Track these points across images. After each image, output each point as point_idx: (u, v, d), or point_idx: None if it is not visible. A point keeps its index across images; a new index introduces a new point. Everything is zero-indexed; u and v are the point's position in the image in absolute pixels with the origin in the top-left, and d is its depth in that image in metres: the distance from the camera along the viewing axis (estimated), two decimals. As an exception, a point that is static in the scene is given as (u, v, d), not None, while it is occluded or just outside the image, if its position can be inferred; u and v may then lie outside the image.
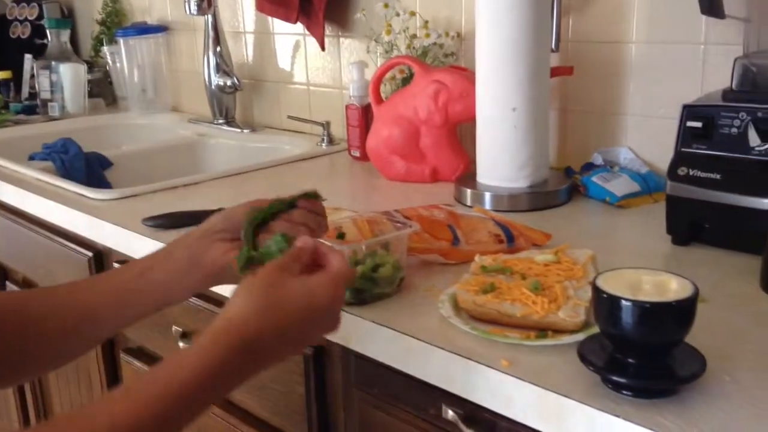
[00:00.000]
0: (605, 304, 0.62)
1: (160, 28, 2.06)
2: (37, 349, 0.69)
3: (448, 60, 1.41)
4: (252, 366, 0.59)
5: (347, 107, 1.50)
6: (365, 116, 1.47)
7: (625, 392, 0.63)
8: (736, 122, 0.92)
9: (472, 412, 0.74)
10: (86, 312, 0.71)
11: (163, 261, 0.74)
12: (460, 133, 1.38)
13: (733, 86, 0.96)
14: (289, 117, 1.70)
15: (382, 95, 1.38)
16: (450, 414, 0.76)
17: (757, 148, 0.90)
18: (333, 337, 0.86)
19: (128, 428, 0.51)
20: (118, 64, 2.11)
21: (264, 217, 0.76)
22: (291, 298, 0.61)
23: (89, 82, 2.18)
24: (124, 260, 1.20)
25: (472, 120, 1.23)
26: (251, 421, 1.05)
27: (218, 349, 0.56)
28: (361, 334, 0.82)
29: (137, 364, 1.25)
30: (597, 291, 0.63)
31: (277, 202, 0.78)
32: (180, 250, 0.75)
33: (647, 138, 1.22)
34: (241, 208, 0.77)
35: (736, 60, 0.96)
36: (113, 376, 1.34)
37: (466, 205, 1.17)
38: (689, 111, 0.95)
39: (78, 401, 1.45)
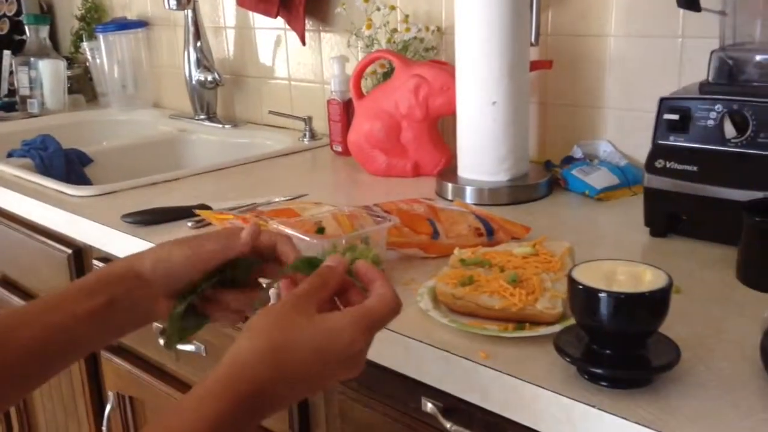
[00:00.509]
0: (580, 296, 0.62)
1: (140, 24, 2.05)
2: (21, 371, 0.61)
3: (429, 54, 1.41)
4: (266, 410, 0.54)
5: (329, 102, 1.50)
6: (347, 111, 1.47)
7: (601, 383, 0.63)
8: (713, 114, 0.92)
9: (451, 404, 0.74)
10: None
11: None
12: (441, 127, 1.38)
13: (710, 79, 0.97)
14: (270, 112, 1.69)
15: (363, 90, 1.38)
16: (429, 406, 0.76)
17: (733, 140, 0.91)
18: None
19: None
20: (98, 60, 2.09)
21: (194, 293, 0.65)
22: (299, 343, 0.54)
23: (69, 78, 2.16)
24: (105, 258, 1.20)
25: (452, 114, 1.23)
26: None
27: (229, 395, 0.51)
28: (341, 328, 0.82)
29: (117, 360, 1.24)
30: (572, 282, 0.63)
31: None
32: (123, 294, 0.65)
33: (626, 131, 1.23)
34: (176, 253, 0.66)
35: (712, 53, 0.97)
36: (94, 374, 1.33)
37: (447, 200, 1.18)
38: (666, 104, 0.96)
39: (59, 397, 1.44)
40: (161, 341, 1.05)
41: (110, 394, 1.28)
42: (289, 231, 0.86)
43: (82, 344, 0.64)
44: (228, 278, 0.66)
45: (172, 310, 0.65)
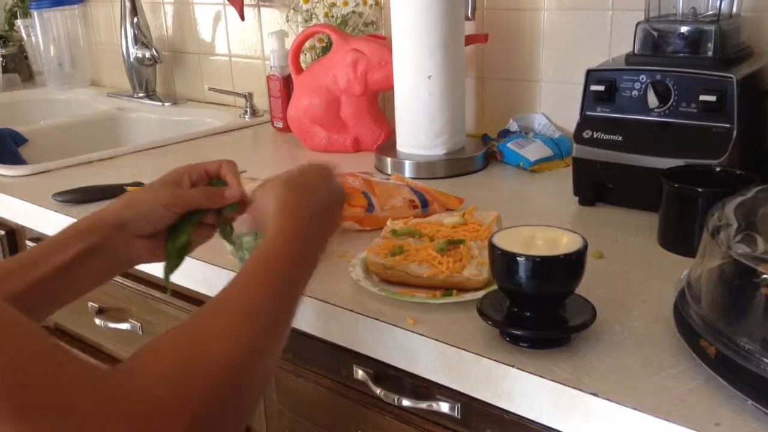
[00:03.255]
0: (500, 260, 0.64)
1: (76, 0, 1.99)
2: None
3: (368, 29, 1.41)
4: (317, 219, 0.65)
5: (268, 78, 1.49)
6: (287, 87, 1.46)
7: (521, 344, 0.65)
8: (637, 85, 0.95)
9: (380, 370, 0.76)
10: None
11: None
12: (382, 102, 1.38)
13: (635, 50, 0.99)
14: (211, 89, 1.67)
15: (303, 65, 1.37)
16: (360, 374, 0.77)
17: (656, 110, 0.93)
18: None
19: (261, 305, 0.54)
20: (33, 38, 2.03)
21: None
22: (293, 175, 0.70)
23: (3, 57, 2.11)
24: (38, 237, 1.17)
25: (391, 88, 1.23)
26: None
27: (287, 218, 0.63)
28: (274, 300, 0.82)
29: (55, 342, 1.22)
30: (492, 248, 0.65)
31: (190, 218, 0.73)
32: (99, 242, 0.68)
33: (560, 104, 1.25)
34: (146, 195, 0.72)
35: (637, 24, 0.99)
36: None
37: (386, 174, 1.18)
38: (592, 75, 0.98)
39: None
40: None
41: (49, 376, 1.26)
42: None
43: (66, 293, 0.67)
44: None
45: (166, 245, 0.71)
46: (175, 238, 0.71)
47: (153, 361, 0.45)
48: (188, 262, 0.73)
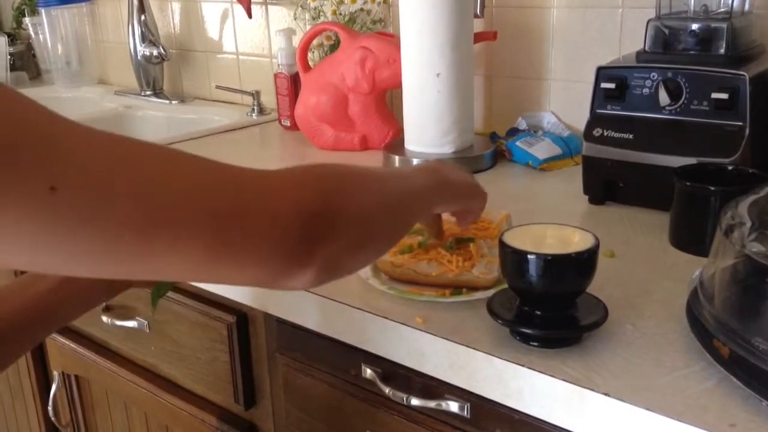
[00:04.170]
0: (510, 259, 0.63)
1: (84, -2, 2.00)
2: None
3: (376, 26, 1.40)
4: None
5: (276, 76, 1.48)
6: (294, 85, 1.45)
7: (532, 343, 0.65)
8: (648, 83, 0.94)
9: (389, 369, 0.75)
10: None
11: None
12: (390, 100, 1.38)
13: (646, 48, 0.98)
14: (218, 87, 1.67)
15: (310, 63, 1.37)
16: (369, 373, 0.77)
17: (667, 108, 0.93)
18: (254, 303, 0.86)
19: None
20: (40, 36, 2.03)
21: None
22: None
23: (11, 55, 2.10)
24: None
25: (399, 86, 1.23)
26: (175, 390, 1.04)
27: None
28: (282, 299, 0.82)
29: (61, 339, 1.22)
30: (502, 246, 0.64)
31: None
32: None
33: (569, 102, 1.24)
34: None
35: (648, 22, 0.98)
36: (39, 354, 1.31)
37: (393, 172, 1.18)
38: (603, 73, 0.97)
39: (5, 379, 1.42)
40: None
41: (55, 374, 1.26)
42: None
43: (64, 311, 0.68)
44: None
45: None
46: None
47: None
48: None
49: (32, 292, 0.65)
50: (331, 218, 0.47)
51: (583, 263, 0.62)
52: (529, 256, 0.62)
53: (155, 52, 1.74)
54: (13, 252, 0.36)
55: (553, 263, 0.61)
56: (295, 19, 1.48)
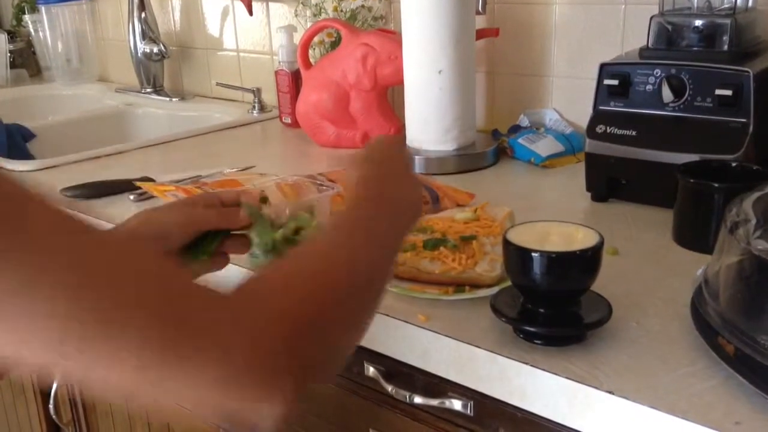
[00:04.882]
0: (514, 256, 0.63)
1: (84, -5, 1.99)
2: None
3: (378, 23, 1.40)
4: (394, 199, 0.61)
5: (277, 73, 1.48)
6: (295, 82, 1.45)
7: (535, 341, 0.64)
8: (651, 79, 0.94)
9: (392, 367, 0.75)
10: None
11: None
12: (392, 97, 1.37)
13: (649, 44, 0.98)
14: (218, 84, 1.66)
15: (312, 60, 1.36)
16: (371, 371, 0.76)
17: (670, 104, 0.92)
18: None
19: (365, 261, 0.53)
20: (41, 33, 2.03)
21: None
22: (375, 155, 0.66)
23: (11, 52, 2.10)
24: (46, 232, 1.17)
25: (401, 83, 1.22)
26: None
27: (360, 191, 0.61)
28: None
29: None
30: (506, 243, 0.64)
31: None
32: None
33: (571, 99, 1.24)
34: (160, 214, 0.71)
35: (651, 18, 0.98)
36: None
37: (395, 169, 1.17)
38: (606, 69, 0.97)
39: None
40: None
41: (57, 372, 1.25)
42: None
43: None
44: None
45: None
46: (191, 260, 0.70)
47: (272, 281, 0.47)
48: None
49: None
50: (293, 353, 0.43)
51: (588, 261, 0.62)
52: (533, 254, 0.61)
53: (156, 50, 1.73)
54: None
55: (558, 261, 0.61)
56: (296, 15, 1.48)
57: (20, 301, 0.35)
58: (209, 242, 0.71)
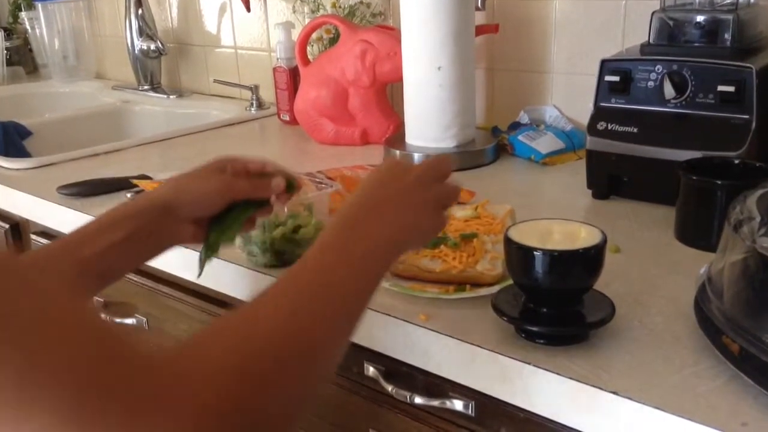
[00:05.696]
0: (516, 255, 0.62)
1: (80, -8, 1.98)
2: None
3: (376, 20, 1.39)
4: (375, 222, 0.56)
5: (275, 70, 1.47)
6: (294, 79, 1.44)
7: (538, 340, 0.64)
8: (653, 75, 0.93)
9: (392, 367, 0.74)
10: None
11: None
12: (391, 94, 1.36)
13: (651, 40, 0.97)
14: (216, 81, 1.65)
15: (310, 57, 1.35)
16: (371, 371, 0.76)
17: (672, 101, 0.91)
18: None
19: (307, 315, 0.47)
20: (37, 31, 2.02)
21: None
22: (371, 177, 0.61)
23: (8, 49, 2.09)
24: (42, 231, 1.16)
25: (400, 80, 1.21)
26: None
27: (337, 220, 0.56)
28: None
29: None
30: (508, 242, 0.63)
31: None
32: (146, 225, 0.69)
33: (572, 95, 1.23)
34: (195, 181, 0.72)
35: (653, 14, 0.97)
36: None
37: (394, 166, 1.16)
38: (607, 66, 0.96)
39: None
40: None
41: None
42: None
43: (106, 275, 0.69)
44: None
45: (209, 232, 0.72)
46: (225, 228, 0.72)
47: (202, 352, 0.42)
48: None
49: (79, 255, 0.65)
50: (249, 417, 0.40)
51: (591, 259, 0.61)
52: (535, 252, 0.61)
53: (153, 47, 1.72)
54: None
55: (560, 259, 0.60)
56: (294, 12, 1.47)
57: None
58: (242, 212, 0.73)
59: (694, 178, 0.81)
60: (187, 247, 0.79)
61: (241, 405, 0.39)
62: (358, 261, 0.53)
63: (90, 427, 0.33)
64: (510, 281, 0.69)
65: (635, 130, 0.93)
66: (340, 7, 1.37)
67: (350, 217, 0.56)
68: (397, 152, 1.19)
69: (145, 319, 1.04)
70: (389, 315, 0.71)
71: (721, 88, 0.87)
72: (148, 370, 0.37)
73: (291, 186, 0.75)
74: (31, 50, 2.13)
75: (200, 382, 0.39)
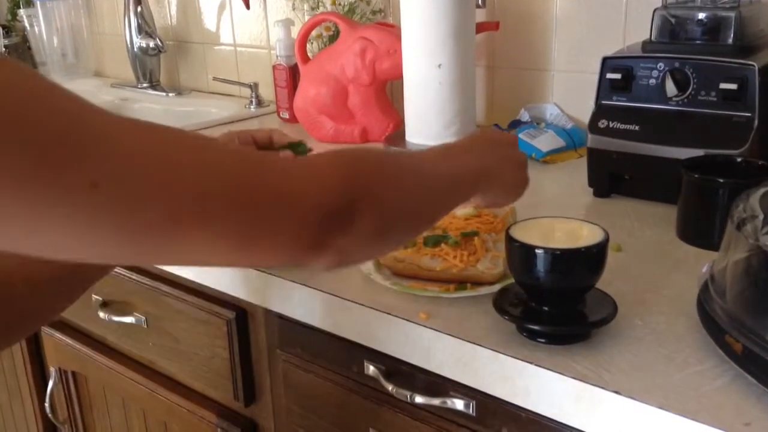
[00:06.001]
0: (517, 253, 0.62)
1: (79, -11, 1.97)
2: (28, 306, 0.66)
3: (376, 17, 1.38)
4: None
5: (274, 67, 1.46)
6: (293, 76, 1.43)
7: (539, 339, 0.63)
8: (654, 73, 0.92)
9: (392, 366, 0.74)
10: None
11: None
12: (391, 92, 1.36)
13: (652, 38, 0.97)
14: (215, 79, 1.65)
15: (309, 54, 1.35)
16: (371, 369, 0.75)
17: (674, 99, 0.91)
18: (253, 299, 0.85)
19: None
20: (36, 28, 2.01)
21: None
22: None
23: (6, 47, 2.08)
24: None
25: (400, 78, 1.21)
26: (174, 387, 1.03)
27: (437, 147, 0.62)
28: (283, 295, 0.80)
29: (58, 335, 1.21)
30: (509, 240, 0.62)
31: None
32: None
33: (572, 93, 1.23)
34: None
35: (655, 11, 0.96)
36: (36, 350, 1.29)
37: (394, 164, 1.16)
38: (608, 63, 0.95)
39: (1, 375, 1.40)
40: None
41: (52, 370, 1.24)
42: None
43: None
44: None
45: None
46: None
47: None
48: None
49: None
50: (350, 216, 0.47)
51: (593, 258, 0.61)
52: (537, 251, 0.60)
53: (152, 44, 1.72)
54: (51, 243, 0.36)
55: (562, 258, 0.60)
56: (293, 9, 1.46)
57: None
58: None
59: (696, 176, 0.81)
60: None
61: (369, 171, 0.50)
62: (444, 177, 0.58)
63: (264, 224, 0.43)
64: (511, 280, 0.69)
65: (637, 128, 0.92)
66: (339, 4, 1.36)
67: (448, 146, 0.63)
68: (398, 150, 1.18)
69: (144, 318, 1.03)
70: (390, 314, 0.71)
71: (723, 85, 0.87)
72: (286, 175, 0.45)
73: (302, 152, 0.75)
74: (29, 48, 2.12)
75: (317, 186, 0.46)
